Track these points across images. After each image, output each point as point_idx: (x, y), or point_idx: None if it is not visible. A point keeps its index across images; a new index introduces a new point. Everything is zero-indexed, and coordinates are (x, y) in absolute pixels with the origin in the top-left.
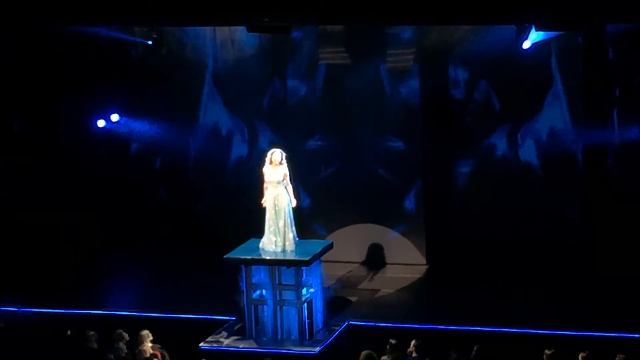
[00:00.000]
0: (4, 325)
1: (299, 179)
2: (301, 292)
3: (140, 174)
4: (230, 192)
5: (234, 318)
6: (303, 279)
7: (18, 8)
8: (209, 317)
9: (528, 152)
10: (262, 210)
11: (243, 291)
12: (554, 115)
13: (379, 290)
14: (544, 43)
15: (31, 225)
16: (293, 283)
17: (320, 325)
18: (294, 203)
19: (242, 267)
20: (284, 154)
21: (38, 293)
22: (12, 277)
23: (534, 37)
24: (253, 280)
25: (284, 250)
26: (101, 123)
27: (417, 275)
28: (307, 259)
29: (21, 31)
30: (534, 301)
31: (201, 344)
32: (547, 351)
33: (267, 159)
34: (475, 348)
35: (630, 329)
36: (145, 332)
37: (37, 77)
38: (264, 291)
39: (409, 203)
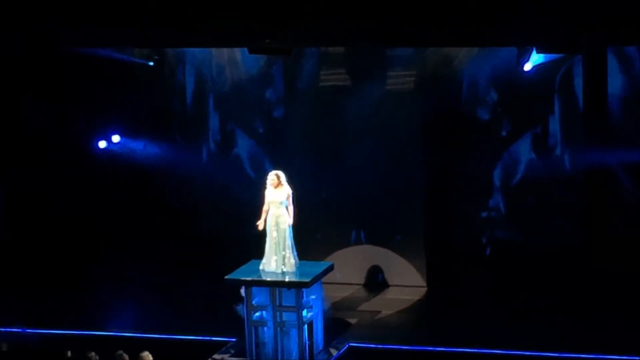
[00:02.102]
0: (7, 348)
1: (298, 200)
2: (302, 313)
3: (141, 194)
4: (232, 213)
5: (234, 339)
6: (303, 301)
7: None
8: (209, 338)
9: (529, 172)
10: (263, 232)
11: (243, 308)
12: (556, 135)
13: (379, 312)
14: (545, 65)
15: (32, 246)
16: (293, 304)
17: (320, 347)
18: (290, 221)
19: (243, 288)
20: (283, 175)
21: (39, 314)
22: (14, 299)
23: (535, 59)
24: (254, 302)
25: (284, 272)
26: (102, 144)
27: (417, 297)
28: (307, 280)
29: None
30: (535, 323)
31: None
32: None
33: (268, 181)
34: None
35: (631, 351)
36: (145, 354)
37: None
38: (264, 312)
39: (410, 225)
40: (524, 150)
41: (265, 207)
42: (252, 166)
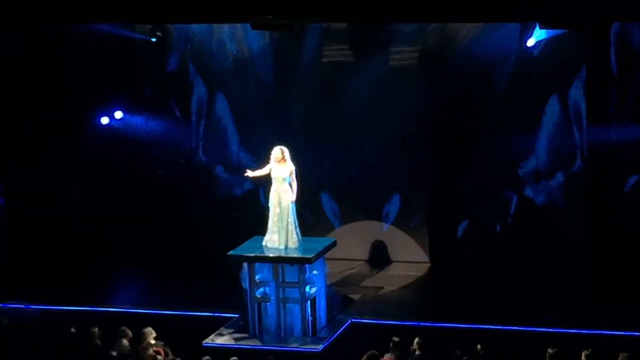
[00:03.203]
0: (8, 322)
1: (301, 176)
2: (304, 289)
3: (144, 171)
4: (234, 190)
5: (237, 315)
6: (306, 277)
7: (20, 7)
8: (212, 314)
9: (534, 150)
10: (266, 209)
11: (246, 283)
12: (558, 115)
13: (382, 287)
14: (548, 41)
15: (35, 223)
16: (296, 280)
17: (323, 323)
18: (293, 198)
19: (246, 264)
20: (287, 150)
21: (42, 290)
22: (17, 275)
23: (538, 34)
24: (256, 278)
25: (287, 248)
26: (105, 120)
27: (420, 273)
28: (310, 256)
29: (22, 30)
30: (537, 299)
31: (204, 341)
32: (550, 350)
33: (272, 156)
34: (478, 346)
35: (633, 327)
36: (149, 329)
37: (39, 74)
38: (267, 288)
39: (413, 200)
40: (528, 127)
41: (264, 172)
42: (255, 143)
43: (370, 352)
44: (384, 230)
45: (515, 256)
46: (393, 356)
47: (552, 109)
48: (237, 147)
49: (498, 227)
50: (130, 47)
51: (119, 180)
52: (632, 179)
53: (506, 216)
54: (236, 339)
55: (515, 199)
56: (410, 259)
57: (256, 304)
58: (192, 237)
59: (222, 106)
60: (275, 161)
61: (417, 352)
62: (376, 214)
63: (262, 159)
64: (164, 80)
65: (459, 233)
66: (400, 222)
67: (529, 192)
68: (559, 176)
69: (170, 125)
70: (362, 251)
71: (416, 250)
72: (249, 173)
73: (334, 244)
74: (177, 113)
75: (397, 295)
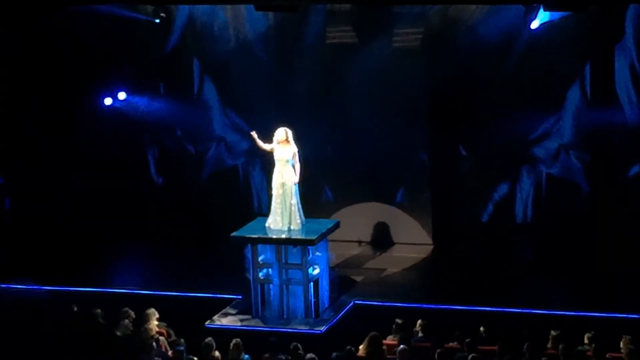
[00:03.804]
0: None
1: (304, 158)
2: (307, 271)
3: (147, 153)
4: (236, 172)
5: (240, 297)
6: (309, 258)
7: None
8: (215, 295)
9: (537, 133)
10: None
11: (248, 269)
12: (564, 97)
13: (385, 269)
14: (551, 23)
15: (39, 206)
16: (299, 262)
17: (326, 305)
18: (296, 179)
19: (249, 246)
20: (290, 132)
21: (45, 271)
22: (20, 256)
23: (542, 17)
24: (259, 259)
25: (290, 230)
26: (108, 101)
27: (423, 255)
28: (313, 238)
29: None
30: (540, 282)
31: (207, 323)
32: (553, 332)
33: (276, 136)
34: (481, 328)
35: (636, 310)
36: (151, 311)
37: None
38: (270, 270)
39: (416, 182)
40: (530, 109)
41: (266, 146)
42: (257, 124)
43: (372, 333)
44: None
45: (518, 239)
46: (396, 338)
47: (560, 91)
48: (239, 129)
49: (500, 209)
50: (131, 29)
51: (120, 164)
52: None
53: (510, 198)
54: (239, 321)
55: (519, 182)
56: (413, 240)
57: (259, 285)
58: (195, 218)
59: (224, 89)
60: (278, 142)
61: (420, 334)
62: (379, 196)
63: (265, 141)
64: (166, 62)
65: (462, 215)
66: (404, 204)
67: (532, 174)
68: (566, 158)
69: (171, 107)
70: (365, 233)
71: (419, 232)
72: (255, 134)
73: (337, 226)
74: (179, 95)
75: (400, 277)
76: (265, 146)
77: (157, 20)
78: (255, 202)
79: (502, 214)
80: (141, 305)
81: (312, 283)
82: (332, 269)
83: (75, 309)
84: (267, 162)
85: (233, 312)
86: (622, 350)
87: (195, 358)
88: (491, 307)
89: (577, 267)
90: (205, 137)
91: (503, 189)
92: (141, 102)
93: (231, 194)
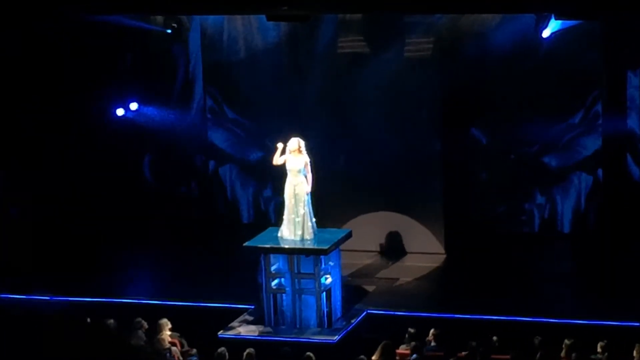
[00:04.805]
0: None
1: (316, 167)
2: (320, 280)
3: (160, 164)
4: (249, 182)
5: (252, 306)
6: (322, 268)
7: None
8: (227, 305)
9: (550, 142)
10: (282, 201)
11: (262, 275)
12: (574, 103)
13: (397, 279)
14: (563, 32)
15: (51, 216)
16: (312, 272)
17: (338, 314)
18: (308, 189)
19: (262, 255)
20: (303, 142)
21: (58, 282)
22: (33, 266)
23: (553, 25)
24: (272, 269)
25: (302, 239)
26: (120, 112)
27: (436, 264)
28: (326, 247)
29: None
30: (553, 291)
31: (220, 333)
32: (566, 341)
33: (289, 146)
34: (494, 337)
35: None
36: (164, 321)
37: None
38: (282, 280)
39: (428, 191)
40: (541, 119)
41: (281, 160)
42: (270, 134)
43: (384, 342)
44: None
45: (532, 247)
46: (409, 347)
47: (573, 101)
48: (252, 139)
49: (516, 218)
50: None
51: (131, 173)
52: None
53: (522, 208)
54: (252, 330)
55: (531, 193)
56: (425, 250)
57: (272, 295)
58: (208, 229)
59: (236, 98)
60: (291, 152)
61: (433, 344)
62: (391, 205)
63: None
64: (177, 70)
65: (475, 224)
66: (416, 213)
67: (545, 185)
68: (577, 174)
69: (183, 116)
70: (377, 242)
71: (432, 241)
72: (280, 146)
73: (349, 235)
74: (192, 104)
75: (412, 286)
76: (280, 160)
77: (169, 31)
78: (263, 211)
79: (515, 223)
80: (154, 315)
81: (324, 292)
82: (344, 277)
83: (89, 320)
84: (278, 174)
85: (246, 322)
86: (635, 359)
87: None
88: (504, 316)
89: (591, 276)
90: (215, 147)
91: (515, 198)
92: (150, 112)
93: (244, 203)
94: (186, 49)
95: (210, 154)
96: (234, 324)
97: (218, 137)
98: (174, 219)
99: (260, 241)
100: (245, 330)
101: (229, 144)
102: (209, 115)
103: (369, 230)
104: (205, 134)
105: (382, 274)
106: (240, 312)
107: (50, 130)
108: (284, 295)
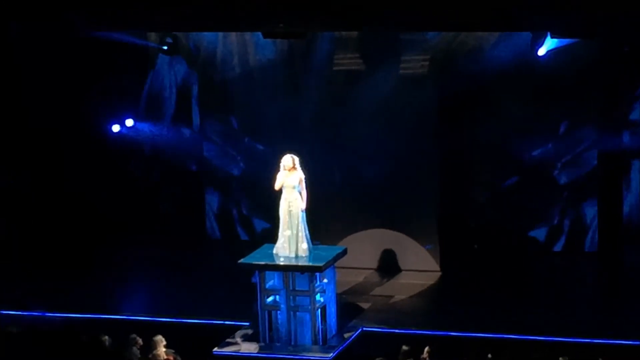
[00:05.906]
0: (17, 330)
1: (311, 184)
2: (315, 297)
3: (154, 178)
4: (243, 198)
5: (247, 323)
6: (317, 285)
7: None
8: (222, 322)
9: (545, 158)
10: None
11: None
12: (572, 120)
13: (392, 296)
14: (559, 50)
15: (44, 229)
16: (307, 289)
17: (333, 331)
18: (303, 206)
19: (256, 272)
20: (297, 159)
21: (51, 298)
22: (25, 282)
23: (549, 44)
24: (267, 286)
25: (297, 256)
26: (116, 128)
27: (431, 282)
28: (321, 264)
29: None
30: (548, 308)
31: (215, 349)
32: (561, 359)
33: (283, 163)
34: (489, 355)
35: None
36: (159, 337)
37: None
38: (277, 297)
39: (424, 209)
40: (541, 133)
41: (277, 186)
42: (265, 150)
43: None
44: (426, 248)
45: (528, 264)
46: None
47: (569, 115)
48: (246, 156)
49: (512, 236)
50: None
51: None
52: None
53: (518, 225)
54: (247, 347)
55: (527, 209)
56: (420, 267)
57: (266, 312)
58: (202, 244)
59: (232, 114)
60: (285, 169)
61: None
62: (387, 222)
63: (272, 168)
64: (172, 87)
65: (470, 242)
66: (411, 230)
67: (541, 202)
68: (575, 181)
69: (178, 133)
70: (372, 260)
71: (427, 258)
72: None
73: (344, 252)
74: (187, 121)
75: (407, 303)
76: (277, 185)
77: (165, 47)
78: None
79: (510, 241)
80: (149, 331)
81: (319, 309)
82: (339, 295)
83: (84, 338)
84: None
85: (240, 339)
86: None
87: None
88: (498, 333)
89: (588, 294)
90: (210, 163)
91: (510, 215)
92: (145, 128)
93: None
94: (182, 65)
95: (205, 170)
96: (229, 340)
97: (213, 154)
98: (168, 234)
99: (255, 258)
100: (240, 347)
101: (224, 161)
102: (204, 132)
103: (364, 247)
104: (200, 150)
105: (377, 291)
106: (235, 328)
107: (42, 148)
108: (278, 312)
